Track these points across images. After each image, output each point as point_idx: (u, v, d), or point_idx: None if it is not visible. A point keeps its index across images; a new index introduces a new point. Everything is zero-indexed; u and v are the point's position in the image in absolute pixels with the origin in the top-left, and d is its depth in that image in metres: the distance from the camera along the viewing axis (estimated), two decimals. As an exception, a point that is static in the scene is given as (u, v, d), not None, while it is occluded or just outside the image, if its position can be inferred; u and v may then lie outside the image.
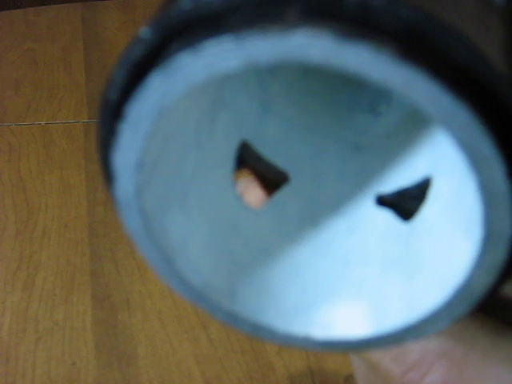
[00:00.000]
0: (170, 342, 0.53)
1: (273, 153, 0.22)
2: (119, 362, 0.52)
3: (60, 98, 0.80)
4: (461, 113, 0.13)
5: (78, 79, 0.83)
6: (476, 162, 0.13)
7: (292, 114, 0.23)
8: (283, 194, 0.22)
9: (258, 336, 0.18)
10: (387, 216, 0.21)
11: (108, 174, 0.16)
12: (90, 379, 0.51)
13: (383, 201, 0.21)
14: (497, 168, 0.13)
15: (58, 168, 0.70)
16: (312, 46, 0.13)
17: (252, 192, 0.22)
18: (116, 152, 0.15)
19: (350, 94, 0.24)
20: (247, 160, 0.22)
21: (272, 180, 0.22)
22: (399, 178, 0.21)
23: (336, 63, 0.13)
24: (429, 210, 0.19)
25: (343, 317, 0.18)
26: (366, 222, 0.21)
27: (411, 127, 0.22)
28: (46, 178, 0.69)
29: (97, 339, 0.53)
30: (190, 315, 0.55)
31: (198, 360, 0.52)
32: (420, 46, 0.13)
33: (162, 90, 0.14)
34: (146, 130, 0.15)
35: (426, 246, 0.18)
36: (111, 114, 0.15)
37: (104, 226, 0.63)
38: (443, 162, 0.20)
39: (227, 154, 0.21)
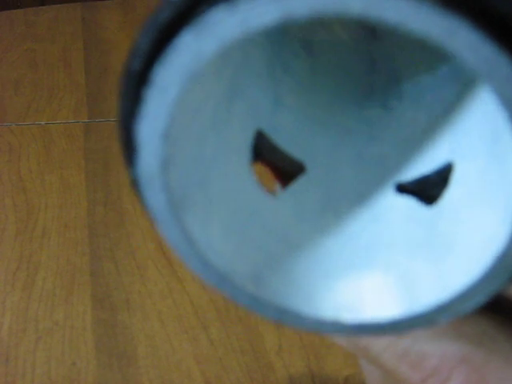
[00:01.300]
0: (170, 342, 0.53)
1: (288, 144, 0.22)
2: (119, 362, 0.52)
3: (60, 98, 0.80)
4: (503, 64, 0.13)
5: (78, 79, 0.83)
6: None
7: (304, 108, 0.23)
8: (301, 184, 0.21)
9: (285, 322, 0.17)
10: (409, 202, 0.20)
11: (130, 148, 0.15)
12: (89, 379, 0.51)
13: (404, 188, 0.21)
14: None
15: (58, 168, 0.70)
16: None
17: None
18: (141, 121, 0.14)
19: (358, 91, 0.24)
20: (262, 151, 0.21)
21: (288, 171, 0.22)
22: (418, 167, 0.21)
23: (375, 14, 0.13)
24: (453, 193, 0.19)
25: (372, 299, 0.17)
26: (388, 209, 0.21)
27: (427, 118, 0.22)
28: (45, 178, 0.69)
29: (97, 339, 0.53)
30: (190, 315, 0.55)
31: (197, 360, 0.52)
32: None
33: (193, 49, 0.13)
34: (173, 96, 0.14)
35: (454, 226, 0.18)
36: (136, 81, 0.14)
37: (104, 225, 0.63)
38: (464, 147, 0.19)
39: (244, 142, 0.20)
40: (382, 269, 0.19)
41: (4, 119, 0.77)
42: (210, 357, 0.52)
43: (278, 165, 0.22)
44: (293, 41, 0.24)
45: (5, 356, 0.52)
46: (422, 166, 0.21)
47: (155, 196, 0.16)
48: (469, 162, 0.19)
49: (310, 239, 0.20)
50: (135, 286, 0.58)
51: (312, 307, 0.17)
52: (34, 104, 0.79)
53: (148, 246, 0.61)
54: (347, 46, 0.25)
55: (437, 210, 0.19)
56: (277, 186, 0.22)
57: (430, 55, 0.23)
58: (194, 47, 0.13)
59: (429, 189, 0.20)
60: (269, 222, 0.20)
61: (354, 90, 0.24)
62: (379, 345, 0.19)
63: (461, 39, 0.13)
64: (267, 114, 0.22)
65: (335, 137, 0.23)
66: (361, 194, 0.21)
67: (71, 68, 0.86)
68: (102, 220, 0.64)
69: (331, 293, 0.18)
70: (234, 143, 0.20)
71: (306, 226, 0.20)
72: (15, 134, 0.74)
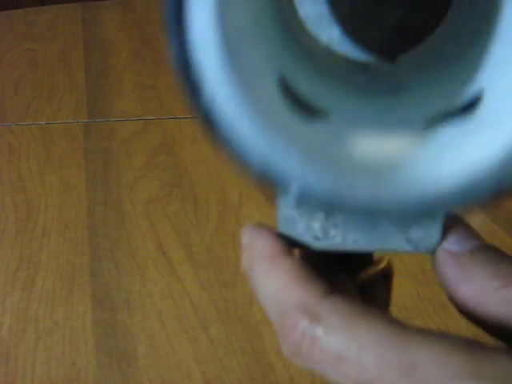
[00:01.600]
0: (169, 342, 0.53)
1: (309, 94, 0.22)
2: (119, 362, 0.52)
3: (60, 98, 0.80)
4: None
5: (78, 79, 0.83)
6: None
7: (317, 85, 0.23)
8: (327, 122, 0.21)
9: (337, 199, 0.17)
10: (441, 125, 0.20)
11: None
12: (90, 379, 0.51)
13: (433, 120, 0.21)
14: None
15: (58, 168, 0.70)
16: None
17: None
18: None
19: (363, 90, 0.24)
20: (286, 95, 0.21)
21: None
22: (445, 103, 0.21)
23: None
24: (487, 101, 0.19)
25: (430, 178, 0.18)
26: (421, 135, 0.21)
27: (443, 86, 0.22)
28: (45, 178, 0.69)
29: (97, 339, 0.53)
30: (190, 315, 0.55)
31: (198, 360, 0.52)
32: None
33: None
34: None
35: (498, 118, 0.18)
36: None
37: (104, 226, 0.63)
38: (494, 76, 0.19)
39: (271, 72, 0.21)
40: (434, 156, 0.19)
41: (4, 119, 0.77)
42: (210, 357, 0.52)
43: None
44: (292, 46, 0.24)
45: (5, 356, 0.52)
46: (449, 102, 0.21)
47: (208, 34, 0.16)
48: (499, 81, 0.19)
49: (348, 150, 0.20)
50: (135, 286, 0.58)
51: (364, 186, 0.17)
52: (34, 104, 0.79)
53: (148, 246, 0.61)
54: (346, 61, 0.25)
55: (473, 117, 0.19)
56: None
57: (426, 73, 0.23)
58: None
59: (458, 118, 0.20)
60: (304, 138, 0.20)
61: (358, 89, 0.24)
62: None
63: None
64: (288, 67, 0.22)
65: (352, 102, 0.23)
66: (389, 131, 0.21)
67: (71, 68, 0.86)
68: (102, 220, 0.64)
69: (384, 171, 0.18)
70: (263, 67, 0.20)
71: (339, 144, 0.20)
72: (15, 134, 0.74)
